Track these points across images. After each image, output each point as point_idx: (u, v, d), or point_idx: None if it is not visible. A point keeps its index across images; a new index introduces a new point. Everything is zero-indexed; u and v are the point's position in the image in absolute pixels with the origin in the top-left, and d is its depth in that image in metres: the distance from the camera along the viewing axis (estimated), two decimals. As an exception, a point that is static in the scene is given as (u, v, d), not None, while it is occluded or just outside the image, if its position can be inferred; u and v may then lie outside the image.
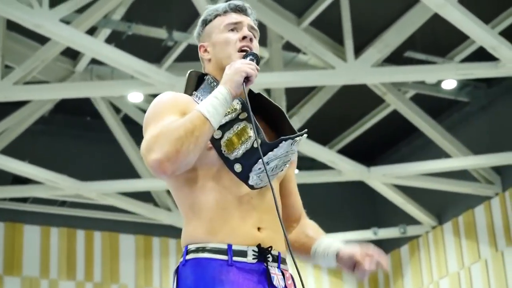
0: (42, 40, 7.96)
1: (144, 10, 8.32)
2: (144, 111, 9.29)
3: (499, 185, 9.72)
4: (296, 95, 9.34)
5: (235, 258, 2.49)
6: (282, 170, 2.61)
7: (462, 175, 9.71)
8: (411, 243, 10.72)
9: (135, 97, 9.03)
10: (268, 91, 8.68)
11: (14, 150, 9.07)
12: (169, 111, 2.56)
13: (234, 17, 2.73)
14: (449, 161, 9.46)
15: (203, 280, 2.47)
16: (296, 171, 3.61)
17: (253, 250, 2.51)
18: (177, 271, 2.55)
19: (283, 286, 2.54)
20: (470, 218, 9.93)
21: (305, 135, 2.61)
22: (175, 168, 2.46)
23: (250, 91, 2.69)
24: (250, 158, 2.54)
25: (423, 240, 10.55)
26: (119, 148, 9.52)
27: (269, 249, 2.52)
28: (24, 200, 10.01)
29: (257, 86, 6.02)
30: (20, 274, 9.74)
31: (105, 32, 8.29)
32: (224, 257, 2.48)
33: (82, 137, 10.20)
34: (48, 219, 10.10)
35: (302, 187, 2.97)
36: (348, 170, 9.33)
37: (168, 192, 10.09)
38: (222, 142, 2.56)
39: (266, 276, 2.50)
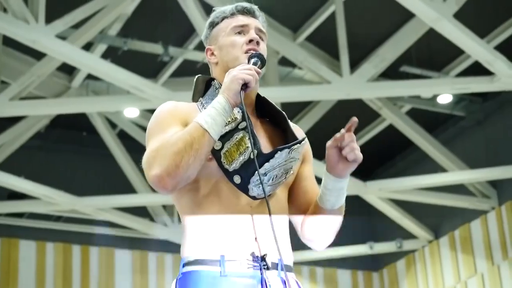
0: (38, 55, 7.95)
1: (140, 26, 8.33)
2: (140, 126, 9.38)
3: (495, 199, 9.71)
4: (292, 110, 9.33)
5: (228, 269, 2.46)
6: (285, 178, 2.58)
7: (458, 189, 9.71)
8: (408, 258, 10.71)
9: (131, 112, 9.02)
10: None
11: (10, 165, 9.06)
12: (170, 122, 2.53)
13: (241, 20, 2.68)
14: (445, 176, 9.45)
15: None
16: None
17: (247, 259, 2.48)
18: (175, 285, 2.53)
19: None
20: (466, 233, 9.92)
21: (304, 142, 2.59)
22: (176, 183, 2.43)
23: (258, 95, 2.67)
24: (247, 169, 2.51)
25: (419, 255, 10.54)
26: (115, 164, 9.50)
27: (264, 256, 2.49)
28: (20, 215, 10.00)
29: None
30: (15, 290, 9.73)
31: (101, 47, 8.29)
32: (217, 269, 2.46)
33: (78, 153, 10.19)
34: (44, 235, 10.08)
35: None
36: (344, 184, 9.30)
37: (164, 207, 10.08)
38: (222, 153, 2.53)
39: (262, 284, 2.47)
